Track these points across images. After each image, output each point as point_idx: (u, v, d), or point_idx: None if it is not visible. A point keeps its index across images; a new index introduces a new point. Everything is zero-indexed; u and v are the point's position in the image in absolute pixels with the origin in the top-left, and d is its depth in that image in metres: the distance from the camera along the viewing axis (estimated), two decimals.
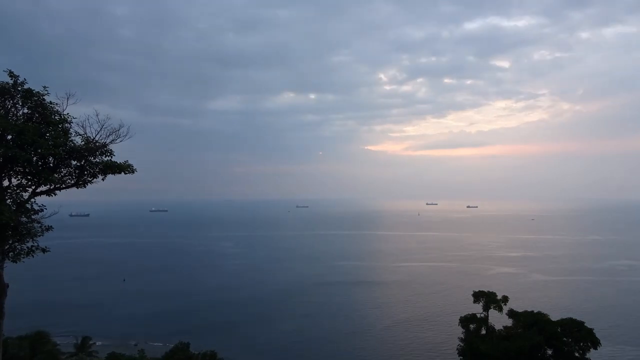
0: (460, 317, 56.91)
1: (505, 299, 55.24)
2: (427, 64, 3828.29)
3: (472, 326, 54.98)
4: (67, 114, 21.12)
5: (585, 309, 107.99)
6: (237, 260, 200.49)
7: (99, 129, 21.60)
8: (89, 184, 22.11)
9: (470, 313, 56.50)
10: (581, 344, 49.24)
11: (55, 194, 21.76)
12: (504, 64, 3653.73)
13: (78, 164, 21.37)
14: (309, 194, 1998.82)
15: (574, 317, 53.69)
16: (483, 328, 54.70)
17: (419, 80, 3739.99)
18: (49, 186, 21.08)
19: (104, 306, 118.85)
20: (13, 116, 19.98)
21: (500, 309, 54.77)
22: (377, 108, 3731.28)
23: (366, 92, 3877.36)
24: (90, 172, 21.67)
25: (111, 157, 21.86)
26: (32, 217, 21.23)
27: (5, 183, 20.24)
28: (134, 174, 22.76)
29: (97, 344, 66.51)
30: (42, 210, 21.46)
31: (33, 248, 21.33)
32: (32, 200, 21.01)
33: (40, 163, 20.20)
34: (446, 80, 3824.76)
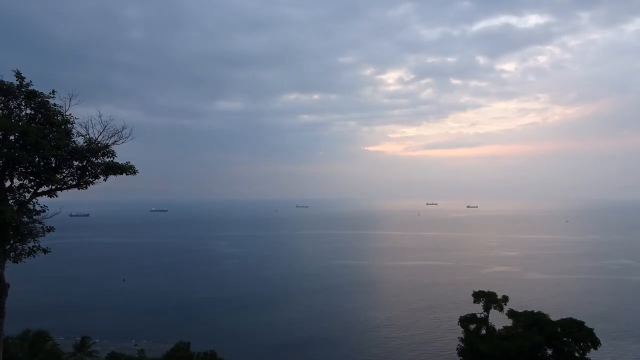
0: (460, 317, 56.87)
1: (505, 299, 55.19)
2: (436, 64, 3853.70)
3: (472, 326, 54.96)
4: (70, 114, 21.14)
5: (580, 307, 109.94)
6: (234, 260, 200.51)
7: (101, 130, 21.62)
8: (90, 184, 22.11)
9: (470, 313, 56.46)
10: (581, 344, 49.23)
11: (56, 195, 21.77)
12: (510, 64, 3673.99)
13: (80, 164, 21.36)
14: (309, 194, 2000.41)
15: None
16: (483, 328, 54.70)
17: (426, 80, 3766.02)
18: (50, 187, 21.08)
19: (104, 306, 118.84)
20: (16, 117, 20.01)
21: (500, 309, 54.75)
22: (380, 109, 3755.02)
23: (370, 92, 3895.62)
24: (92, 172, 21.65)
25: (113, 158, 21.87)
26: (34, 217, 21.23)
27: (8, 183, 20.25)
28: (135, 175, 22.75)
29: (97, 343, 66.47)
30: (43, 211, 21.46)
31: (34, 248, 21.31)
32: (34, 200, 21.02)
33: (42, 164, 20.21)
34: (452, 81, 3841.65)
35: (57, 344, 58.75)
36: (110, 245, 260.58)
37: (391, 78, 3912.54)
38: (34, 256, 21.56)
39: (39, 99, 19.96)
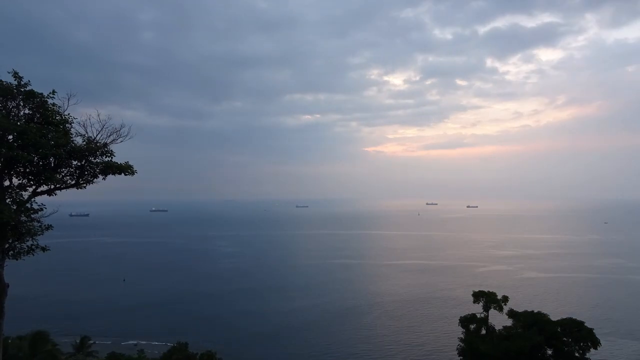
0: (460, 317, 56.90)
1: (505, 299, 55.21)
2: (444, 64, 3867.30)
3: (472, 326, 54.96)
4: (68, 114, 21.15)
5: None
6: (233, 259, 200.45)
7: (100, 129, 21.62)
8: (89, 184, 22.12)
9: (470, 313, 56.48)
10: (581, 344, 49.24)
11: (55, 194, 21.77)
12: (515, 65, 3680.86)
13: (79, 164, 21.37)
14: (310, 194, 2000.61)
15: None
16: (483, 328, 54.70)
17: (431, 81, 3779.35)
18: (49, 186, 21.09)
19: (103, 306, 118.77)
20: (15, 117, 20.00)
21: (500, 309, 54.75)
22: (383, 109, 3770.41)
23: (374, 93, 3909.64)
24: (90, 172, 21.68)
25: (112, 157, 21.86)
26: (32, 216, 21.24)
27: (6, 183, 20.24)
28: (133, 175, 22.74)
29: (96, 343, 66.41)
30: (42, 210, 21.46)
31: (33, 247, 21.35)
32: (32, 199, 21.02)
33: (41, 163, 20.21)
34: (458, 82, 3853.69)
35: (56, 344, 58.64)
36: (110, 245, 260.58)
37: (398, 78, 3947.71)
38: (33, 254, 21.60)
39: (37, 99, 19.96)
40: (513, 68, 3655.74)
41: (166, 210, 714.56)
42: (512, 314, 55.44)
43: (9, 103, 19.81)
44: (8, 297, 21.10)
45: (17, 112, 20.08)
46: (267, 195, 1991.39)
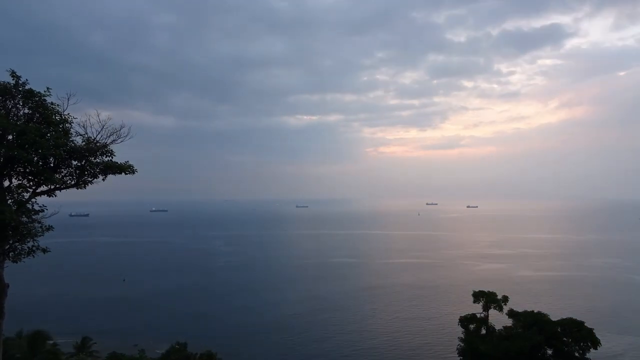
0: (460, 317, 56.91)
1: (505, 299, 55.22)
2: (453, 65, 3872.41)
3: (472, 326, 54.96)
4: (68, 114, 21.13)
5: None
6: (233, 259, 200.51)
7: (99, 129, 21.61)
8: (89, 184, 22.10)
9: (470, 313, 56.48)
10: (581, 344, 49.24)
11: (55, 194, 21.75)
12: (521, 67, 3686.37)
13: (79, 164, 21.35)
14: (311, 194, 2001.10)
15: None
16: (483, 328, 54.70)
17: (439, 81, 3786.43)
18: (49, 186, 21.06)
19: (104, 306, 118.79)
20: (14, 116, 19.97)
21: (500, 309, 54.77)
22: (388, 110, 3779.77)
23: (382, 93, 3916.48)
24: (90, 172, 21.65)
25: (112, 157, 21.85)
26: (33, 217, 21.21)
27: (6, 183, 20.22)
28: (133, 174, 22.74)
29: (97, 343, 66.39)
30: (42, 211, 21.44)
31: (33, 248, 21.32)
32: (33, 200, 21.00)
33: (41, 163, 20.19)
34: (465, 83, 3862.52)
35: (57, 344, 58.67)
36: (110, 245, 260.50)
37: (407, 79, 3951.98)
38: (33, 256, 21.57)
39: (37, 98, 19.94)
40: (518, 69, 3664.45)
41: (166, 210, 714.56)
42: (512, 314, 55.44)
43: (8, 102, 19.79)
44: (8, 297, 21.08)
45: (16, 111, 20.06)
46: (267, 195, 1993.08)
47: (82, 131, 21.39)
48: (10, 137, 19.18)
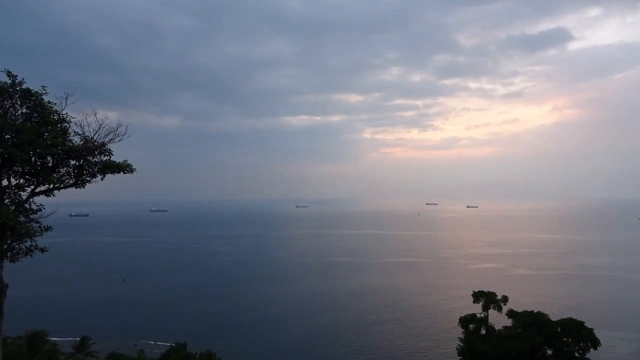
0: (460, 317, 56.89)
1: (505, 299, 55.17)
2: (461, 65, 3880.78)
3: (471, 326, 54.91)
4: (66, 113, 21.06)
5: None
6: (232, 258, 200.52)
7: (97, 129, 21.54)
8: (87, 183, 22.04)
9: (470, 313, 56.44)
10: (581, 344, 49.17)
11: (54, 194, 21.67)
12: (527, 68, 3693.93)
13: (77, 163, 21.28)
14: (312, 194, 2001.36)
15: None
16: (483, 328, 54.65)
17: (445, 82, 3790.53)
18: (47, 186, 20.99)
19: (103, 306, 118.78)
20: (11, 116, 19.91)
21: (499, 309, 54.72)
22: (392, 110, 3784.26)
23: (387, 94, 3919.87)
24: (89, 171, 21.58)
25: (110, 156, 21.80)
26: (31, 217, 21.13)
27: (4, 183, 20.16)
28: (132, 173, 22.69)
29: (96, 343, 66.35)
30: (40, 210, 21.36)
31: (32, 248, 21.22)
32: (31, 200, 20.92)
33: (39, 163, 20.12)
34: (470, 84, 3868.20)
35: (56, 344, 58.59)
36: (110, 245, 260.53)
37: (414, 79, 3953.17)
38: (32, 256, 21.47)
39: (34, 98, 19.87)
40: (521, 70, 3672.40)
41: (166, 210, 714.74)
42: (511, 314, 55.38)
43: (6, 102, 19.73)
44: (7, 297, 21.03)
45: (14, 111, 20.00)
46: (268, 195, 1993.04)
47: (80, 130, 21.34)
48: (7, 136, 19.12)
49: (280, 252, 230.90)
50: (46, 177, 19.99)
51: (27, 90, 19.82)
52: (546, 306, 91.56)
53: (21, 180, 20.46)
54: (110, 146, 21.86)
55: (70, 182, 21.60)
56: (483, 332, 54.42)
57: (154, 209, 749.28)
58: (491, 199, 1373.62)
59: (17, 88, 19.69)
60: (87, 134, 21.38)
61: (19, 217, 20.20)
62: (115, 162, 21.77)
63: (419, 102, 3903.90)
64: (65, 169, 21.28)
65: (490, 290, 57.58)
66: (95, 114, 21.59)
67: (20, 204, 20.31)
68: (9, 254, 20.51)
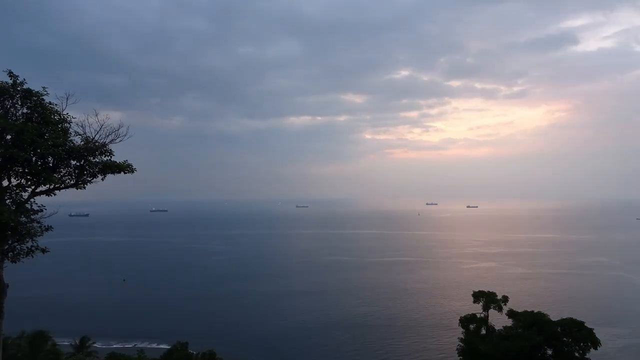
0: (460, 317, 56.86)
1: (505, 299, 55.14)
2: (469, 66, 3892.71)
3: (472, 326, 54.88)
4: (67, 114, 21.08)
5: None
6: (232, 258, 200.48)
7: (98, 129, 21.57)
8: (88, 183, 22.06)
9: (470, 313, 56.41)
10: (581, 344, 49.13)
11: (54, 194, 21.69)
12: (532, 69, 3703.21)
13: (77, 163, 21.32)
14: (313, 194, 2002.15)
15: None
16: (483, 328, 54.62)
17: (452, 83, 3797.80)
18: (48, 186, 21.01)
19: (104, 306, 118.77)
20: (12, 116, 19.93)
21: (500, 309, 54.69)
22: (396, 110, 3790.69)
23: (393, 94, 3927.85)
24: (89, 172, 21.62)
25: (110, 157, 21.82)
26: (32, 217, 21.15)
27: (5, 183, 20.17)
28: (132, 173, 22.71)
29: (96, 343, 66.36)
30: (41, 211, 21.38)
31: (32, 248, 21.24)
32: (32, 200, 20.94)
33: (39, 163, 20.14)
34: (475, 85, 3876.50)
35: (56, 344, 58.56)
36: (110, 245, 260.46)
37: (421, 80, 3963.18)
38: (32, 256, 21.49)
39: (35, 98, 19.90)
40: (524, 71, 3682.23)
41: (166, 210, 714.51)
42: (511, 314, 55.34)
43: (6, 102, 19.75)
44: (8, 297, 21.03)
45: (15, 111, 20.02)
46: (269, 195, 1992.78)
47: (80, 131, 21.37)
48: (8, 137, 19.14)
49: (280, 251, 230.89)
50: (47, 177, 20.02)
51: (28, 90, 19.84)
52: (545, 306, 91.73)
53: (22, 181, 20.48)
54: (111, 146, 21.92)
55: (71, 182, 21.64)
56: (483, 332, 54.40)
57: (154, 209, 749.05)
58: (491, 199, 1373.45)
59: (18, 88, 19.71)
60: (88, 134, 21.42)
61: (20, 217, 20.23)
62: (116, 162, 21.81)
63: (422, 102, 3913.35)
64: (66, 169, 21.32)
65: (491, 290, 57.58)
66: (96, 115, 21.64)
67: (21, 204, 20.35)
68: (10, 254, 20.55)
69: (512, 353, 47.97)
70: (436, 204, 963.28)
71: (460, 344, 54.11)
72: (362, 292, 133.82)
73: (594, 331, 49.86)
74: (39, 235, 21.56)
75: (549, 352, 50.58)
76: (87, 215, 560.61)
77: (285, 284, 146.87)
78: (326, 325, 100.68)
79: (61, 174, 21.26)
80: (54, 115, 20.51)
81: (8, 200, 19.94)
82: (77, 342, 60.05)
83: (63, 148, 20.17)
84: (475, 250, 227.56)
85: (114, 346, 77.53)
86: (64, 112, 20.98)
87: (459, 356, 54.10)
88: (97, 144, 21.32)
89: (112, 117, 22.02)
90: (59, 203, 22.74)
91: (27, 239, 20.96)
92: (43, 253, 21.78)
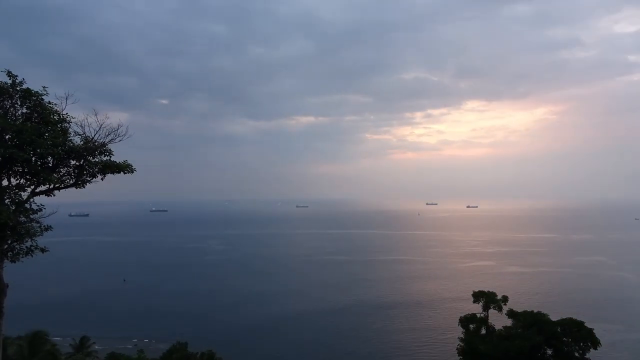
0: (460, 317, 56.90)
1: (505, 299, 55.17)
2: (475, 67, 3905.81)
3: (472, 326, 54.90)
4: (67, 113, 21.07)
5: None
6: (232, 258, 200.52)
7: (97, 129, 21.55)
8: (88, 183, 22.05)
9: (470, 313, 56.44)
10: (581, 344, 49.15)
11: (54, 194, 21.67)
12: (533, 70, 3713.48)
13: (77, 163, 21.30)
14: (314, 194, 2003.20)
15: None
16: (483, 328, 54.65)
17: (458, 83, 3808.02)
18: (48, 186, 21.00)
19: (104, 306, 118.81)
20: (12, 116, 19.91)
21: (499, 309, 54.72)
22: (400, 110, 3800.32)
23: (397, 95, 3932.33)
24: (89, 171, 21.59)
25: (110, 156, 21.81)
26: (31, 217, 21.13)
27: (4, 183, 20.16)
28: (132, 173, 22.70)
29: (96, 344, 66.35)
30: (40, 210, 21.37)
31: (32, 248, 21.23)
32: (31, 200, 20.93)
33: (39, 163, 20.13)
34: (480, 86, 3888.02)
35: (56, 344, 58.53)
36: (110, 245, 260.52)
37: (433, 77, 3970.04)
38: (32, 256, 21.47)
39: (34, 98, 19.88)
40: (527, 72, 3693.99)
41: (166, 210, 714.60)
42: (511, 314, 55.36)
43: (6, 102, 19.73)
44: (7, 297, 21.02)
45: (14, 111, 20.00)
46: (268, 195, 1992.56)
47: (80, 130, 21.35)
48: (7, 136, 19.13)
49: (280, 251, 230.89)
50: (47, 177, 19.99)
51: (28, 90, 19.82)
52: (545, 305, 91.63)
53: (22, 180, 20.46)
54: (112, 146, 21.91)
55: (71, 182, 21.61)
56: (483, 332, 54.43)
57: (154, 209, 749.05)
58: (491, 199, 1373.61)
59: (17, 88, 19.70)
60: (87, 134, 21.40)
61: (20, 217, 20.21)
62: (116, 162, 21.78)
63: (426, 102, 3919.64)
64: (65, 169, 21.28)
65: (491, 290, 57.61)
66: (95, 114, 21.61)
67: (20, 204, 20.32)
68: (9, 254, 20.52)
69: (512, 353, 48.00)
70: (436, 204, 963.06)
71: (460, 343, 54.15)
72: (362, 292, 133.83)
73: (593, 331, 49.89)
74: (39, 235, 21.53)
75: (549, 352, 50.61)
76: (87, 215, 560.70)
77: (286, 284, 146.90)
78: (326, 325, 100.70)
79: (60, 173, 21.24)
80: (54, 115, 20.49)
81: (7, 200, 19.93)
82: (77, 342, 60.03)
83: (62, 148, 20.14)
84: (475, 250, 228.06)
85: (114, 346, 77.44)
86: (64, 112, 20.97)
87: (458, 356, 54.13)
88: (96, 143, 21.31)
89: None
90: (58, 203, 22.68)
91: (27, 239, 20.94)
92: (42, 252, 21.76)
